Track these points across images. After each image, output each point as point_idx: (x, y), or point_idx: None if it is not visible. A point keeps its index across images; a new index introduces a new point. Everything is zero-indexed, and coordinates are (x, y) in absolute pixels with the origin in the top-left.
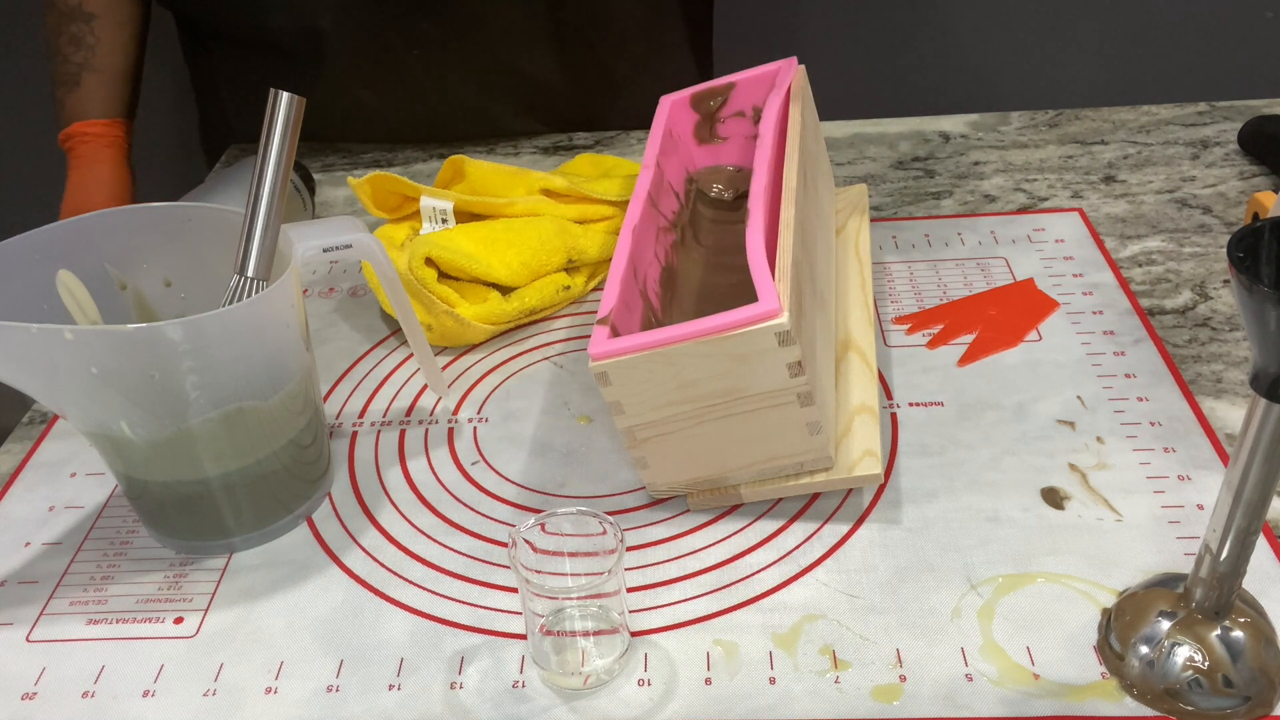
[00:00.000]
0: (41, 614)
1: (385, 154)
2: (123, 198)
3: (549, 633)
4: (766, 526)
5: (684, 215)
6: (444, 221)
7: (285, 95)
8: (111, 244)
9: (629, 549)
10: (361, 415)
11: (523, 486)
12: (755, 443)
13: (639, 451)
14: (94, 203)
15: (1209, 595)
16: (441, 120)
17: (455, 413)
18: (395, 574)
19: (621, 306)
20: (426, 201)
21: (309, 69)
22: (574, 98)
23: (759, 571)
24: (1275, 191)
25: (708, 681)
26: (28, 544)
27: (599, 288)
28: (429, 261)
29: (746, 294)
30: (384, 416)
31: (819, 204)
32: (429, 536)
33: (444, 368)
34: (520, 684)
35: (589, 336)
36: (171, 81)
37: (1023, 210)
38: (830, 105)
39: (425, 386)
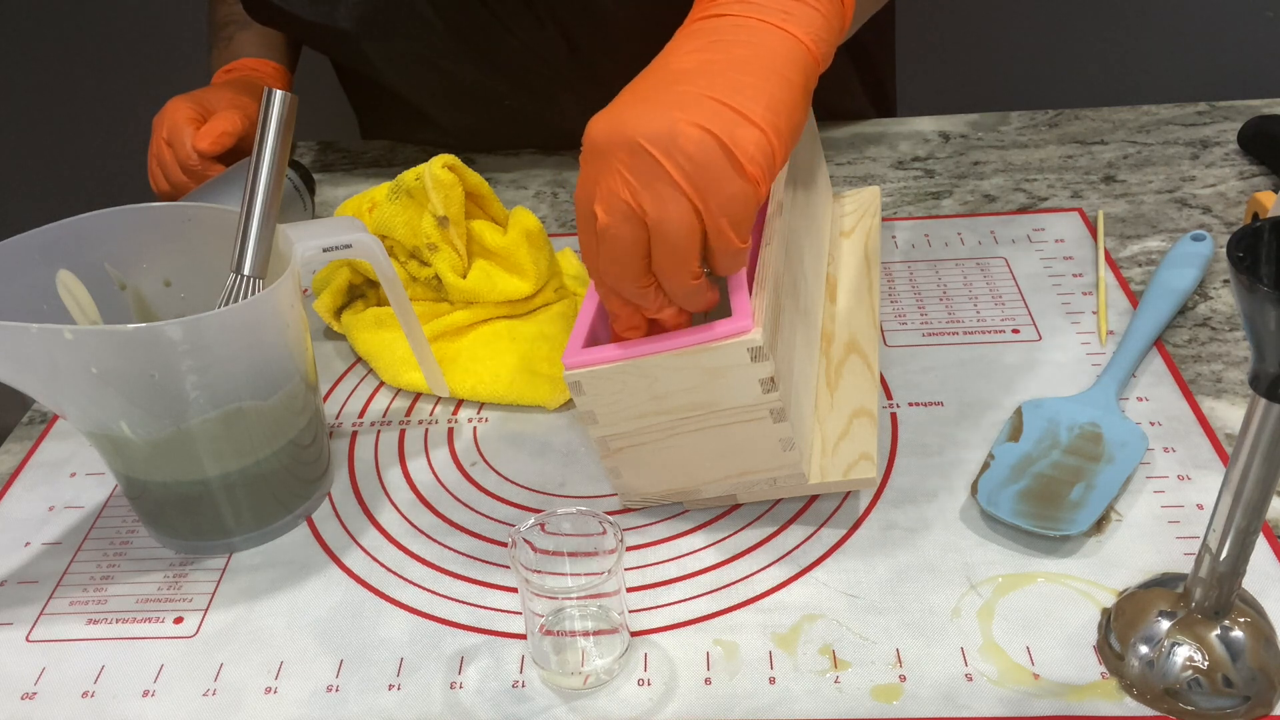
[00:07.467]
0: (41, 614)
1: (385, 154)
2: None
3: (549, 633)
4: (766, 526)
5: None
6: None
7: (279, 93)
8: (111, 244)
9: (629, 549)
10: (361, 415)
11: (523, 486)
12: (727, 456)
13: (612, 461)
14: (210, 98)
15: (1209, 595)
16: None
17: (455, 412)
18: (395, 574)
19: (600, 316)
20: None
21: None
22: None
23: (759, 571)
24: (1275, 191)
25: (707, 681)
26: (28, 544)
27: None
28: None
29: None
30: (384, 416)
31: (811, 215)
32: (429, 536)
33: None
34: (520, 684)
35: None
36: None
37: (1022, 210)
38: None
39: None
